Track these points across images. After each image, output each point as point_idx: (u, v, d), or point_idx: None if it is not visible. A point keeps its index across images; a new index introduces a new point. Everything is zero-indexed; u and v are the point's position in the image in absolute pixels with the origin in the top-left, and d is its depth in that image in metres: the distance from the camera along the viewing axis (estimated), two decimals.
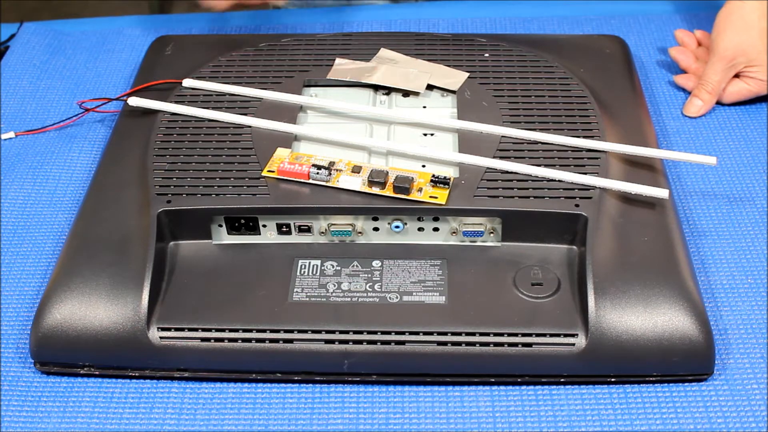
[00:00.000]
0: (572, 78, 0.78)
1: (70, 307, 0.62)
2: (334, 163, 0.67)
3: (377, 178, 0.65)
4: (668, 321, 0.60)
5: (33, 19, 1.01)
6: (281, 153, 0.69)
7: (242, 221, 0.66)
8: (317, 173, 0.66)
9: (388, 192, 0.65)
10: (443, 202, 0.64)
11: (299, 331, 0.61)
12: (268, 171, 0.67)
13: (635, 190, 0.66)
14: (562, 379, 0.61)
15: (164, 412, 0.61)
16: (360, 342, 0.60)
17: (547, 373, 0.61)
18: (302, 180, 0.67)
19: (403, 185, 0.65)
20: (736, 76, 0.83)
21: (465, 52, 0.82)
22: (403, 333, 0.60)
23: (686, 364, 0.60)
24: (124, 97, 0.78)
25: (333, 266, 0.65)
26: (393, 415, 0.60)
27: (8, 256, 0.72)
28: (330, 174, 0.66)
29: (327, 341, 0.61)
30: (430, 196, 0.65)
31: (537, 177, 0.67)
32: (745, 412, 0.59)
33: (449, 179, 0.65)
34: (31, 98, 0.89)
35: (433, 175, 0.66)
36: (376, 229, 0.67)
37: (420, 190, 0.65)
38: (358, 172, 0.66)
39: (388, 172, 0.66)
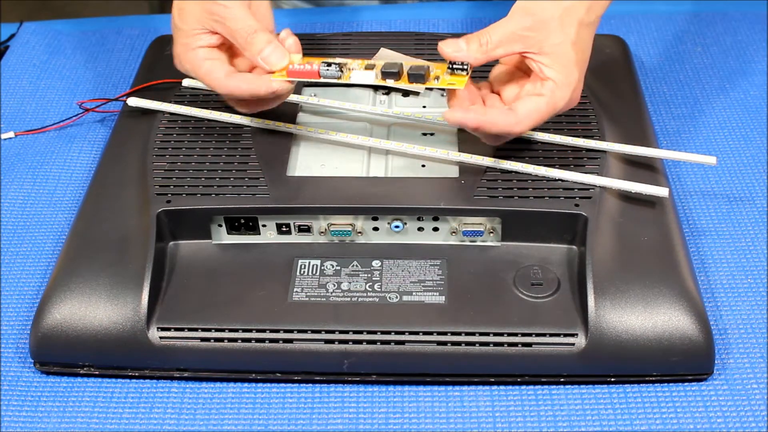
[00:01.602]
0: None
1: (70, 307, 0.62)
2: (345, 63, 0.66)
3: (391, 69, 0.64)
4: (668, 321, 0.60)
5: (33, 19, 1.01)
6: (292, 58, 0.67)
7: (242, 221, 0.66)
8: (327, 70, 0.64)
9: (403, 83, 0.64)
10: (462, 87, 0.63)
11: (299, 331, 0.61)
12: (278, 74, 0.66)
13: (635, 189, 0.66)
14: (562, 379, 0.61)
15: (164, 412, 0.61)
16: (360, 342, 0.60)
17: (546, 373, 0.61)
18: (313, 80, 0.65)
19: (419, 72, 0.63)
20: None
21: None
22: (402, 333, 0.60)
23: (686, 364, 0.60)
24: (124, 97, 0.78)
25: (333, 266, 0.65)
26: (393, 415, 0.60)
27: (8, 256, 0.72)
28: (341, 71, 0.65)
29: (327, 341, 0.61)
30: (449, 83, 0.63)
31: (537, 177, 0.67)
32: (745, 412, 0.59)
33: (468, 65, 0.63)
34: (31, 98, 0.89)
35: (450, 63, 0.63)
36: (375, 228, 0.67)
37: (437, 78, 0.64)
38: (372, 69, 0.65)
39: (402, 64, 0.65)
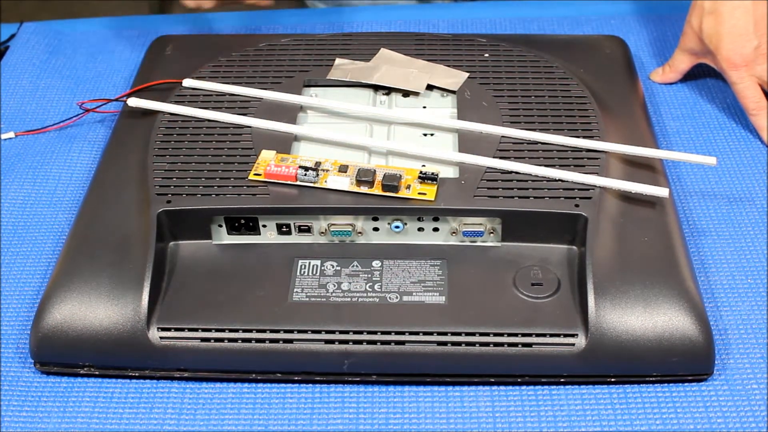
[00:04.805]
0: (572, 78, 0.78)
1: (70, 307, 0.62)
2: (320, 163, 0.67)
3: (365, 177, 0.65)
4: (668, 321, 0.60)
5: (33, 19, 1.01)
6: (266, 155, 0.69)
7: (242, 221, 0.66)
8: (305, 175, 0.66)
9: (377, 190, 0.65)
10: (432, 198, 0.64)
11: (299, 331, 0.61)
12: (255, 174, 0.67)
13: (635, 189, 0.66)
14: (562, 379, 0.61)
15: (164, 412, 0.61)
16: (360, 342, 0.60)
17: (547, 373, 0.61)
18: (290, 182, 0.66)
19: (392, 183, 0.65)
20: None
21: (465, 52, 0.82)
22: (403, 333, 0.60)
23: (686, 364, 0.60)
24: (124, 98, 0.78)
25: (333, 266, 0.65)
26: (393, 415, 0.60)
27: (8, 256, 0.72)
28: (317, 175, 0.66)
29: (327, 341, 0.61)
30: (419, 193, 0.65)
31: (537, 177, 0.67)
32: (745, 412, 0.59)
33: (436, 174, 0.65)
34: (31, 98, 0.89)
35: (421, 172, 0.66)
36: (376, 229, 0.67)
37: (408, 187, 0.65)
38: (345, 171, 0.66)
39: (375, 171, 0.66)
